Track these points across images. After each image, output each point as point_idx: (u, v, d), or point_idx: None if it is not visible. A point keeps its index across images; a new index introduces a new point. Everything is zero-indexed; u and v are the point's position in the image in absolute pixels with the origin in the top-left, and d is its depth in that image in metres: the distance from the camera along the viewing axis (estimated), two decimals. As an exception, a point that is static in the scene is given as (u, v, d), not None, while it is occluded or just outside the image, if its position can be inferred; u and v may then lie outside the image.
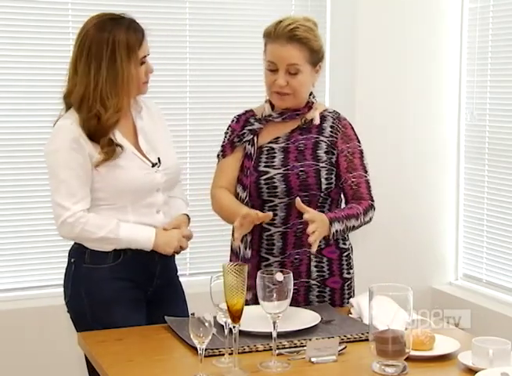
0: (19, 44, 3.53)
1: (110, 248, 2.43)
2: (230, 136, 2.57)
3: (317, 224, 2.26)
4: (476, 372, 1.89)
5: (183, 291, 2.67)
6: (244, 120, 2.58)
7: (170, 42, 3.76)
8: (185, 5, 3.79)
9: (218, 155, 2.60)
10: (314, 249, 2.25)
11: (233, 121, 2.61)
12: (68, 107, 2.46)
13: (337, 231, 2.35)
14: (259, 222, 2.38)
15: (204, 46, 3.83)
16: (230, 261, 2.56)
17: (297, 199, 2.31)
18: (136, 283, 2.48)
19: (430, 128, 4.13)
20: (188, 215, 2.65)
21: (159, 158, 2.50)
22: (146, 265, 2.50)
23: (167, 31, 3.74)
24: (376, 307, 1.95)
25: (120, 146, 2.41)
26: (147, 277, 2.52)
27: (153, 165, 2.48)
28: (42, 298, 3.58)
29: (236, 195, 2.51)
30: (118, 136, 2.44)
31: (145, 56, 2.45)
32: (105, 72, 2.37)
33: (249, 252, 2.48)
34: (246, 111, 2.61)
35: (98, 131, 2.38)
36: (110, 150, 2.38)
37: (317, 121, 2.53)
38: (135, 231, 2.44)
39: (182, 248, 2.53)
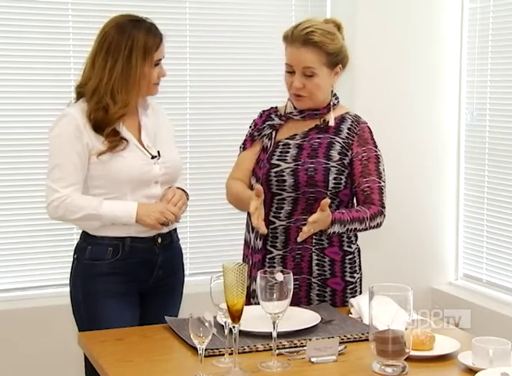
0: (19, 44, 3.53)
1: (97, 226, 2.51)
2: (252, 130, 2.64)
3: (316, 225, 2.30)
4: (476, 372, 1.89)
5: (183, 283, 2.74)
6: (267, 115, 2.64)
7: (170, 42, 3.73)
8: (185, 5, 3.80)
9: (241, 147, 2.66)
10: (299, 239, 2.33)
11: (258, 115, 2.67)
12: (79, 97, 2.56)
13: (334, 232, 2.39)
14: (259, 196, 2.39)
15: (204, 46, 3.83)
16: (243, 252, 2.62)
17: (327, 200, 2.31)
18: (132, 277, 2.55)
19: (430, 128, 4.13)
20: (184, 190, 2.68)
21: (158, 152, 2.59)
22: (146, 258, 2.57)
23: (167, 31, 3.70)
24: (376, 307, 1.95)
25: (126, 139, 2.52)
26: (147, 269, 2.58)
27: (153, 157, 2.57)
28: (42, 298, 3.59)
29: (251, 187, 2.56)
30: (124, 130, 2.54)
31: (160, 59, 2.56)
32: (120, 69, 2.48)
33: (260, 243, 2.51)
34: (271, 107, 2.67)
35: (103, 122, 2.49)
36: (115, 140, 2.49)
37: (332, 123, 2.54)
38: (117, 206, 2.50)
39: (170, 220, 2.53)
